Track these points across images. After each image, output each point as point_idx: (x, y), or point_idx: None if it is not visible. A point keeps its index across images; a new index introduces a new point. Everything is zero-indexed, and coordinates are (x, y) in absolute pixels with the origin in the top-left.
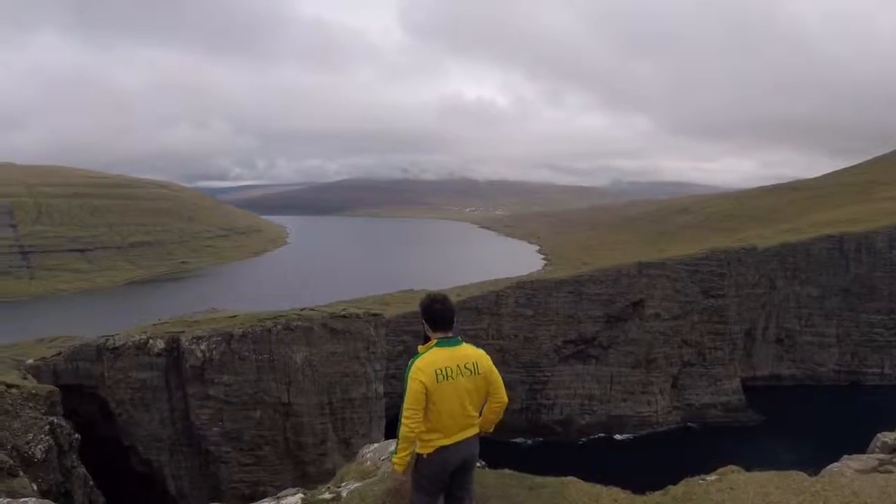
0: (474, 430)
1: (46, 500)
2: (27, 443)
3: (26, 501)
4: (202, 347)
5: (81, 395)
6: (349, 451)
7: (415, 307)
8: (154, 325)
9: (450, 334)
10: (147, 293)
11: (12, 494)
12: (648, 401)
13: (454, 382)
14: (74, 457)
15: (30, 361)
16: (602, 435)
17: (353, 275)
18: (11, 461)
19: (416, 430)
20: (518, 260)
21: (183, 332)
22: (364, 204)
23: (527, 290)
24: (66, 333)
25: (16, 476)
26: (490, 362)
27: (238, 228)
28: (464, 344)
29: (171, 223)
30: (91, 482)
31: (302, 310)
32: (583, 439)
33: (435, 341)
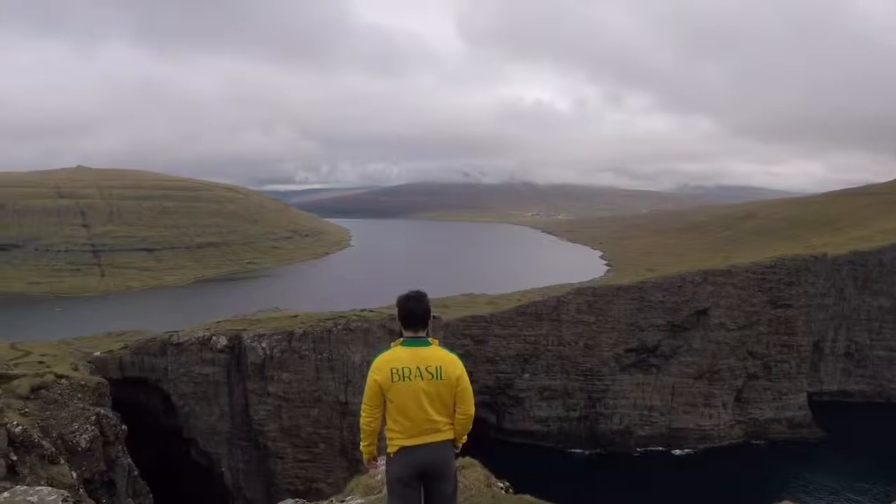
0: (442, 437)
1: (61, 491)
2: (72, 432)
3: (39, 490)
4: (263, 345)
5: (146, 387)
6: None
7: (475, 311)
8: (217, 322)
9: (420, 334)
10: (213, 292)
11: (51, 482)
12: (710, 414)
13: (411, 384)
14: (120, 447)
15: (97, 354)
16: (661, 449)
17: (414, 277)
18: (54, 449)
19: (371, 425)
20: (580, 265)
21: (245, 329)
22: (425, 207)
23: (588, 297)
24: (134, 328)
25: (56, 464)
26: (460, 370)
27: (302, 231)
28: (433, 346)
29: (237, 225)
30: (136, 472)
31: (361, 311)
32: (640, 450)
33: (401, 340)
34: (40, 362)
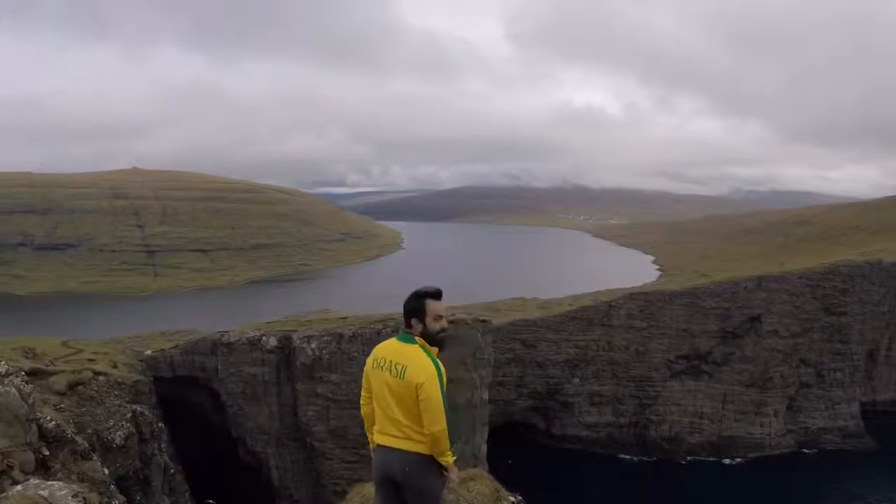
0: (406, 445)
1: (72, 486)
2: (108, 429)
3: (51, 485)
4: (313, 346)
5: (196, 386)
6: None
7: (525, 315)
8: (268, 322)
9: (409, 330)
10: (264, 293)
11: (82, 477)
12: (762, 422)
13: (382, 374)
14: (156, 445)
15: (148, 352)
16: (712, 459)
17: (465, 281)
18: (87, 445)
19: (363, 408)
20: (632, 270)
21: (295, 330)
22: (477, 211)
23: (640, 302)
24: (186, 328)
25: (89, 459)
26: (423, 378)
27: (355, 233)
28: (415, 345)
29: (290, 227)
30: (172, 470)
31: None
32: (689, 458)
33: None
34: (90, 360)
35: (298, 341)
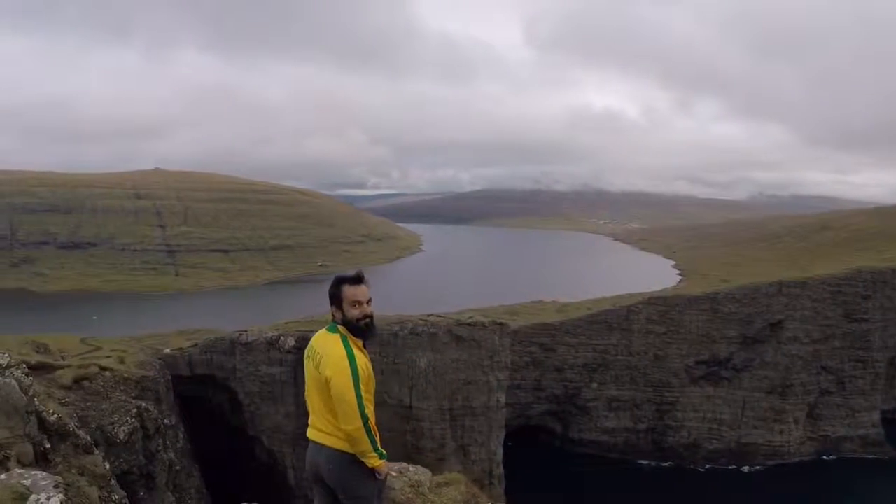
0: (330, 441)
1: (56, 477)
2: (111, 424)
3: (35, 474)
4: None
5: (213, 385)
6: (467, 458)
7: (544, 318)
8: (286, 322)
9: (334, 318)
10: (284, 293)
11: (82, 471)
12: (781, 430)
13: (308, 364)
14: (161, 441)
15: (167, 351)
16: (730, 466)
17: (485, 283)
18: (90, 439)
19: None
20: (652, 274)
21: (313, 330)
22: (497, 214)
23: (659, 306)
24: (206, 327)
25: (91, 454)
26: (331, 372)
27: (374, 235)
28: (335, 335)
29: (310, 228)
30: (178, 467)
31: (428, 316)
32: (707, 465)
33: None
34: (107, 357)
35: None
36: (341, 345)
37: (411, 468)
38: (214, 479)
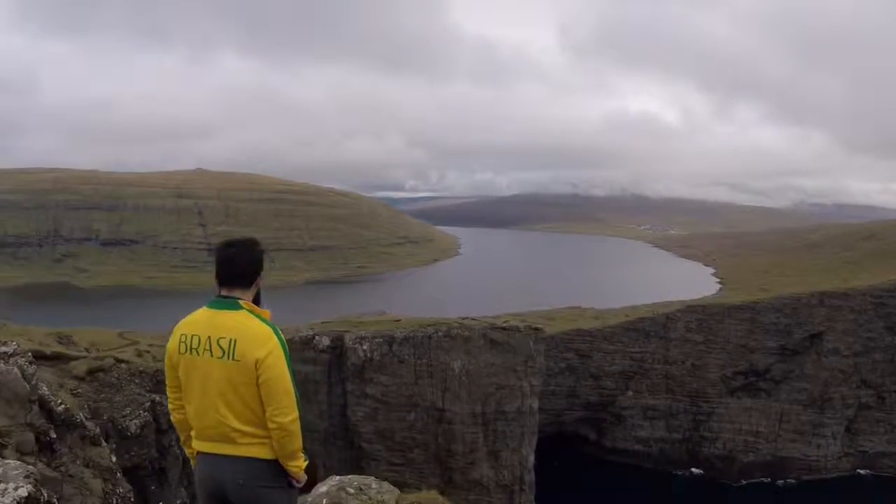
0: (240, 450)
1: (29, 467)
2: (123, 416)
3: (7, 463)
4: (364, 347)
5: None
6: (498, 463)
7: (580, 325)
8: (322, 322)
9: (235, 293)
10: (322, 293)
11: (87, 462)
12: (819, 444)
13: (198, 360)
14: (174, 435)
15: None
16: (765, 479)
17: (522, 288)
18: (97, 431)
19: (174, 413)
20: (691, 282)
21: (348, 331)
22: (535, 218)
23: (698, 315)
24: None
25: (98, 445)
26: (265, 351)
27: (413, 237)
28: (242, 311)
29: (349, 229)
30: (192, 463)
31: (464, 319)
32: (742, 477)
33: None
34: (147, 352)
35: (350, 342)
36: (260, 321)
37: (374, 485)
38: None
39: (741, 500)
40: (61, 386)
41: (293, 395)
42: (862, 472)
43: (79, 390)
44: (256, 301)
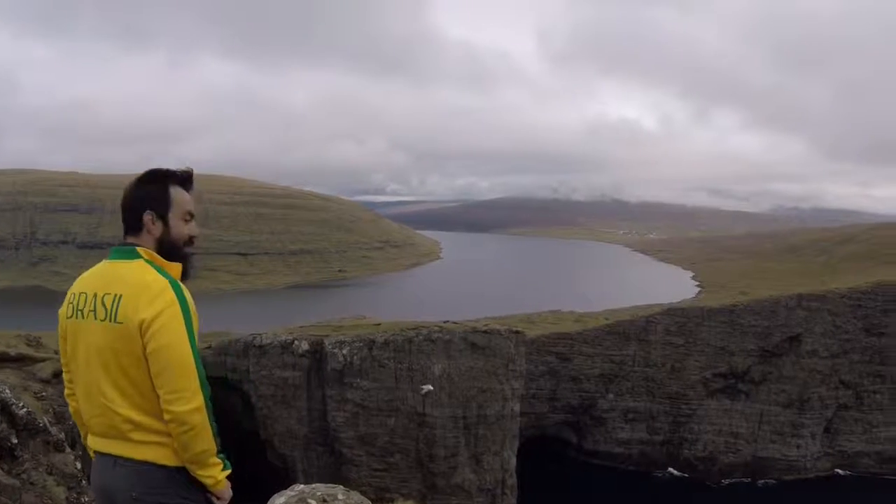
0: (136, 453)
1: None
2: None
3: None
4: (344, 352)
5: (226, 387)
6: (479, 467)
7: (561, 328)
8: (301, 326)
9: (129, 240)
10: (302, 297)
11: (51, 469)
12: (798, 444)
13: (83, 324)
14: None
15: None
16: (746, 480)
17: (503, 292)
18: (62, 436)
19: (67, 396)
20: (671, 286)
21: (327, 335)
22: (515, 222)
23: (678, 318)
24: (222, 329)
25: (61, 452)
26: (159, 308)
27: (393, 241)
28: (137, 260)
29: (330, 233)
30: None
31: (444, 322)
32: (723, 482)
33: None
34: None
35: (330, 346)
36: (156, 271)
37: (341, 495)
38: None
39: (722, 501)
40: (25, 389)
41: (194, 373)
42: (841, 471)
43: (43, 394)
44: (170, 246)
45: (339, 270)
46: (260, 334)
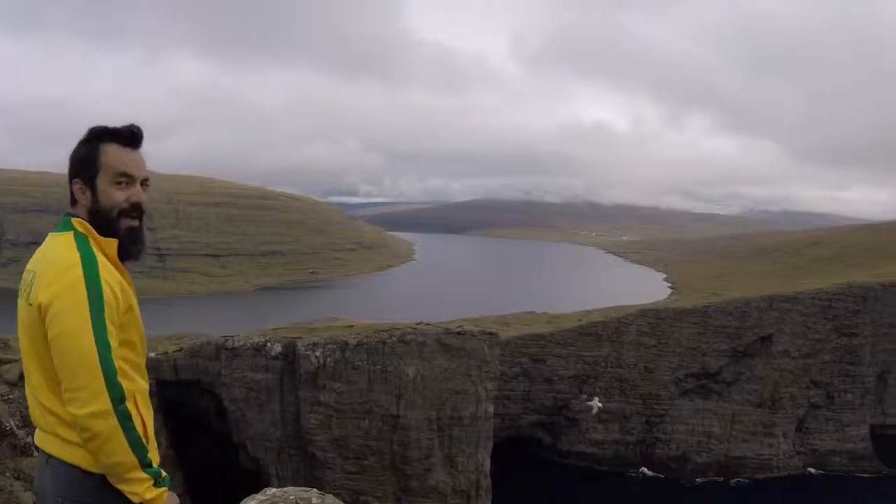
0: (64, 453)
1: None
2: None
3: None
4: (317, 354)
5: (199, 391)
6: (454, 469)
7: (535, 329)
8: (274, 329)
9: (70, 209)
10: (274, 299)
11: (17, 474)
12: (770, 443)
13: (20, 305)
14: None
15: (152, 355)
16: (719, 479)
17: (476, 293)
18: (28, 440)
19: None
20: (644, 287)
21: (300, 337)
22: (488, 224)
23: (650, 319)
24: (194, 332)
25: (29, 456)
26: (57, 289)
27: (366, 243)
28: (66, 233)
29: (302, 235)
30: None
31: (418, 324)
32: (698, 480)
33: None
34: None
35: (303, 348)
36: (74, 246)
37: (315, 499)
38: (198, 486)
39: (695, 500)
40: None
41: (96, 370)
42: (813, 470)
43: (10, 396)
44: (102, 215)
45: (312, 272)
46: (232, 337)
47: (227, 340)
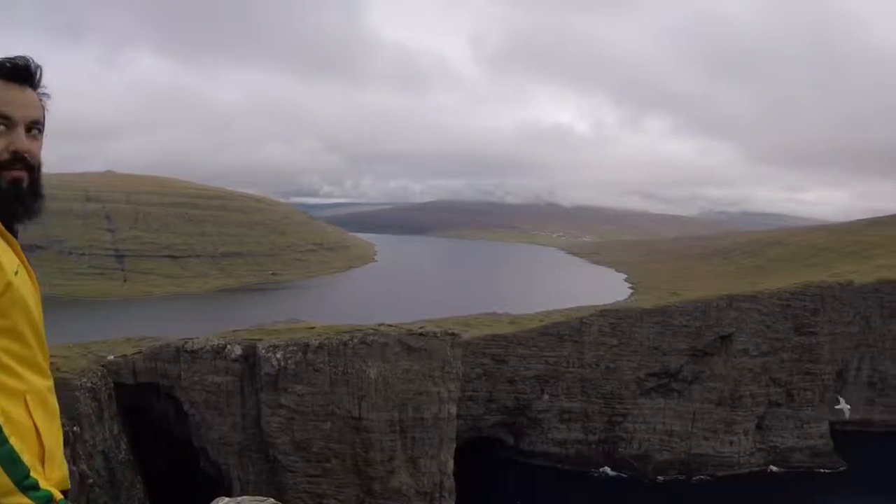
0: None
1: None
2: None
3: None
4: (278, 356)
5: (158, 394)
6: (417, 470)
7: (497, 330)
8: (234, 331)
9: None
10: (234, 301)
11: None
12: (731, 441)
13: None
14: (67, 451)
15: (111, 358)
16: (681, 477)
17: (438, 294)
18: None
19: None
20: (604, 288)
21: (260, 339)
22: (450, 225)
23: (611, 319)
24: (153, 334)
25: None
26: None
27: (327, 244)
28: None
29: (263, 235)
30: (90, 481)
31: (379, 325)
32: (658, 475)
33: None
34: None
35: (263, 351)
36: None
37: None
38: (158, 492)
39: (657, 498)
40: None
41: None
42: (774, 467)
43: None
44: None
45: (273, 273)
46: (191, 339)
47: (186, 343)
